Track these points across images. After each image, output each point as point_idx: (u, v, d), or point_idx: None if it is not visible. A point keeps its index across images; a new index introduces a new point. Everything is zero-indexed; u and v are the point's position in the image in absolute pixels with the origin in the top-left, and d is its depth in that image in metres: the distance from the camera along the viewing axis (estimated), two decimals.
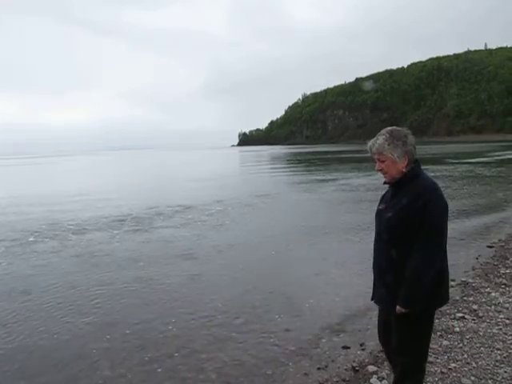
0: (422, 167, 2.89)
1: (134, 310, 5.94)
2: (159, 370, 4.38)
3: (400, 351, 2.89)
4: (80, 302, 6.34)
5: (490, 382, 3.68)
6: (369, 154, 2.92)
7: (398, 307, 2.73)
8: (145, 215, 14.04)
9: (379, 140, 2.82)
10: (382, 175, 2.93)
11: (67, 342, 5.05)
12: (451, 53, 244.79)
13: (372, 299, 3.11)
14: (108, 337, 5.14)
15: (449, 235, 2.78)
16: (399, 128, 2.90)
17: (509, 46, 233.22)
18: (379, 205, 3.02)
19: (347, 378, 4.04)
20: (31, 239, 10.85)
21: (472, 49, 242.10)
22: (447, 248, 2.79)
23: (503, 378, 3.72)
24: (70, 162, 76.99)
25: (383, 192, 3.10)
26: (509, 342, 4.37)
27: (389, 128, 2.90)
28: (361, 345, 4.70)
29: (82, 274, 7.73)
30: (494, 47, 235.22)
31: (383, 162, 2.82)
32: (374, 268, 3.04)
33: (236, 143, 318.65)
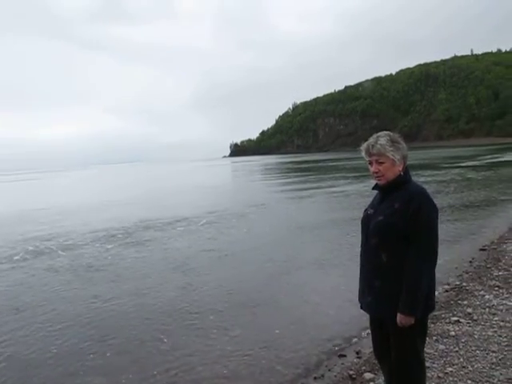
0: (414, 173, 2.88)
1: (128, 325, 5.90)
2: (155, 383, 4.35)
3: (398, 361, 2.84)
4: (73, 317, 6.28)
5: None
6: (361, 159, 2.91)
7: (399, 316, 2.65)
8: (136, 228, 14.00)
9: (381, 141, 2.77)
10: (374, 179, 2.92)
11: (59, 358, 5.00)
12: (438, 59, 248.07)
13: (361, 307, 3.06)
14: (101, 352, 5.09)
15: (441, 239, 2.80)
16: (392, 133, 2.88)
17: (494, 51, 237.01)
18: (367, 210, 2.99)
19: None
20: (22, 255, 10.77)
21: (459, 54, 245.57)
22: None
23: (499, 380, 3.72)
24: (60, 178, 76.58)
25: (371, 198, 3.10)
26: (503, 344, 4.38)
27: (385, 131, 2.88)
28: (357, 352, 4.69)
29: (74, 289, 7.68)
30: (480, 52, 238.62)
31: (381, 163, 2.77)
32: (361, 274, 2.99)
33: (228, 154, 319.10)
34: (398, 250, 2.70)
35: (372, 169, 2.84)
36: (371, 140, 2.83)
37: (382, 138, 2.79)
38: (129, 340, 5.41)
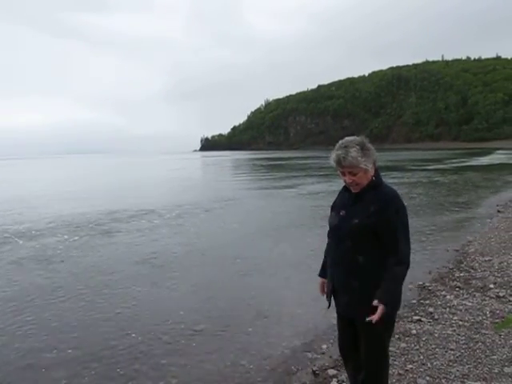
0: (382, 174, 2.94)
1: (92, 320, 5.79)
2: (119, 378, 4.31)
3: (367, 357, 2.92)
4: (34, 311, 6.13)
5: (443, 381, 3.81)
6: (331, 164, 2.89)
7: (379, 309, 2.62)
8: (102, 220, 13.77)
9: (352, 153, 2.68)
10: (341, 182, 2.95)
11: (20, 353, 4.88)
12: (410, 62, 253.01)
13: (329, 307, 3.10)
14: (64, 347, 4.99)
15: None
16: (359, 137, 2.81)
17: (464, 58, 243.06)
18: (339, 211, 2.94)
19: (307, 382, 4.08)
20: None
21: (430, 59, 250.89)
22: None
23: (455, 376, 3.88)
24: (27, 166, 74.71)
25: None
26: (461, 342, 4.54)
27: (355, 139, 2.78)
28: (321, 349, 4.76)
29: (36, 281, 7.50)
30: (450, 58, 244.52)
31: (355, 174, 2.74)
32: (333, 275, 2.97)
33: (198, 148, 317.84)
34: (374, 252, 2.75)
35: (346, 179, 2.80)
36: (341, 151, 2.74)
37: (352, 150, 2.70)
38: (92, 335, 5.31)
